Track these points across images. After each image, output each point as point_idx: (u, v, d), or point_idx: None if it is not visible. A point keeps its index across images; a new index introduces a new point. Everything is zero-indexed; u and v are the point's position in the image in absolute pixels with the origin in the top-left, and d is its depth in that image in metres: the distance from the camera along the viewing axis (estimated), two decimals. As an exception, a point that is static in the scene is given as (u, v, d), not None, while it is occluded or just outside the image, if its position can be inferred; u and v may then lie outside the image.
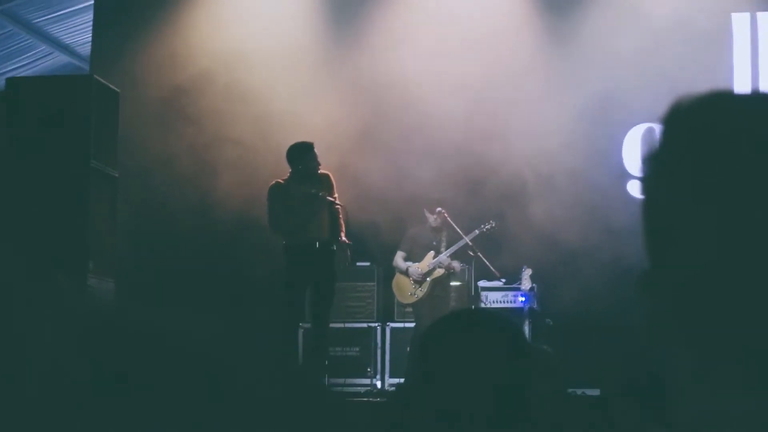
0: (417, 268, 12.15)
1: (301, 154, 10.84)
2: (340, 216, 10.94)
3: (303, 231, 10.76)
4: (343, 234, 10.88)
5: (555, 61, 13.63)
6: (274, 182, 11.00)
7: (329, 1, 14.24)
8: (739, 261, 1.03)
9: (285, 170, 11.00)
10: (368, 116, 13.36)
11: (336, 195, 10.98)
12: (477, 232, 12.08)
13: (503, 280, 12.34)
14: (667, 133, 1.12)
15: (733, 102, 1.11)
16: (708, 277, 1.05)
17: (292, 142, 11.05)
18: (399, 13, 13.95)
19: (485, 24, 13.73)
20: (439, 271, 12.17)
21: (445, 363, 2.68)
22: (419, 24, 13.82)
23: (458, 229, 12.04)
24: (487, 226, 12.10)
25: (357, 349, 12.68)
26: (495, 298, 12.51)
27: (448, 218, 12.08)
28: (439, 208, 12.10)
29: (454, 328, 2.78)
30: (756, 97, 1.12)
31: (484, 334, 2.70)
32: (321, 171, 11.00)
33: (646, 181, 1.13)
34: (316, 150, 10.89)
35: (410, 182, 12.72)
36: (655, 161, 1.12)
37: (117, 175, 10.69)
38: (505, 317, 2.91)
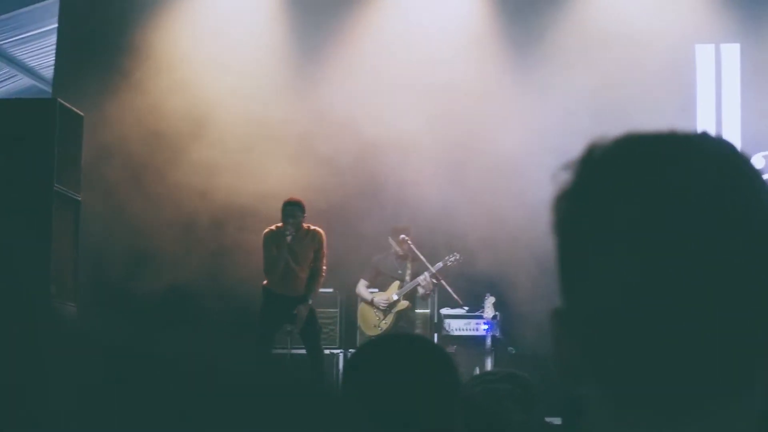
0: (383, 297, 12.10)
1: (283, 208, 11.00)
2: (320, 276, 11.15)
3: (282, 284, 11.02)
4: (311, 297, 11.04)
5: (516, 90, 13.67)
6: (267, 230, 11.19)
7: (286, 28, 14.27)
8: (651, 299, 1.05)
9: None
10: (330, 141, 13.36)
11: (324, 252, 11.10)
12: (441, 264, 12.03)
13: (466, 308, 12.33)
14: (578, 174, 1.13)
15: (647, 145, 1.11)
16: (619, 314, 1.06)
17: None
18: (359, 41, 14.01)
19: (447, 46, 13.79)
20: (404, 303, 12.06)
21: (368, 387, 2.66)
22: (381, 51, 13.87)
23: (423, 258, 12.00)
24: (452, 259, 12.06)
25: (319, 375, 12.64)
26: (457, 326, 12.49)
27: (413, 246, 12.05)
28: (402, 236, 12.07)
29: (382, 352, 2.75)
30: (675, 138, 1.12)
31: (412, 361, 2.67)
32: (313, 228, 11.12)
33: (557, 219, 1.13)
34: (301, 207, 11.04)
35: (374, 208, 12.71)
36: (565, 200, 1.13)
37: (80, 198, 10.62)
38: (438, 346, 2.88)
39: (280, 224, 11.11)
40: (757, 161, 14.03)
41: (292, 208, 10.98)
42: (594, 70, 13.46)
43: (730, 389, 1.07)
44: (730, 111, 14.13)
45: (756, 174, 1.10)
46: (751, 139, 13.90)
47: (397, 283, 12.13)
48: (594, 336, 1.09)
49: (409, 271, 12.10)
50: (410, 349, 2.75)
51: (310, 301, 11.10)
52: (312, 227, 11.15)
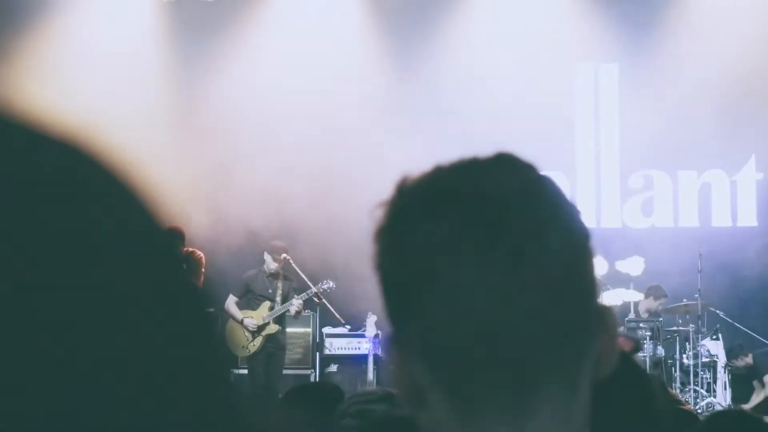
0: (252, 321, 11.80)
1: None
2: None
3: None
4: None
5: (401, 112, 13.67)
6: None
7: (167, 52, 14.15)
8: (468, 313, 1.13)
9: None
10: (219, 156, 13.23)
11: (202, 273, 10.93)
12: (313, 290, 11.83)
13: (348, 327, 12.22)
14: (390, 209, 1.20)
15: (450, 173, 1.19)
16: (449, 328, 1.14)
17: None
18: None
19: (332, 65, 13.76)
20: (273, 327, 11.80)
21: None
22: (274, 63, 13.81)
23: (305, 277, 11.84)
24: (325, 286, 11.87)
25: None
26: (339, 344, 12.40)
27: (294, 265, 11.86)
28: (285, 255, 11.84)
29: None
30: (476, 163, 1.20)
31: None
32: (191, 249, 10.88)
33: (376, 254, 1.22)
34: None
35: (253, 222, 12.55)
36: (381, 235, 1.20)
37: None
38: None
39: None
40: (635, 180, 14.23)
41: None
42: (473, 86, 13.54)
43: (557, 392, 1.15)
44: (608, 130, 14.31)
45: (555, 190, 1.19)
46: (629, 158, 14.10)
47: (267, 303, 11.85)
48: (434, 349, 1.15)
49: (279, 291, 11.84)
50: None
51: None
52: (190, 249, 10.88)
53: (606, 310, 1.22)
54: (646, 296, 12.54)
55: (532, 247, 1.13)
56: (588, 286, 1.19)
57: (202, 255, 10.98)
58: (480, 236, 1.13)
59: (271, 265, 11.87)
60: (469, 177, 1.18)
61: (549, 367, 1.16)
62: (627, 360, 2.63)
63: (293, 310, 11.80)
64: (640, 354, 11.63)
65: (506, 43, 13.77)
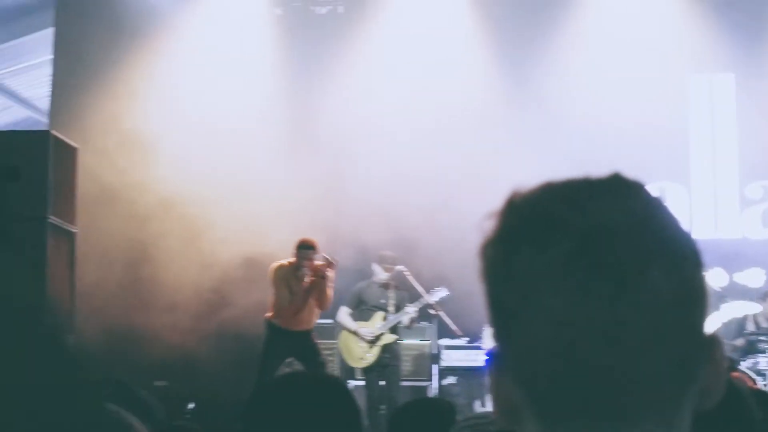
0: (368, 330, 11.84)
1: (298, 249, 10.96)
2: (325, 310, 11.24)
3: (292, 320, 10.99)
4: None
5: (513, 122, 13.66)
6: (278, 265, 11.08)
7: (279, 65, 14.29)
8: (575, 334, 1.14)
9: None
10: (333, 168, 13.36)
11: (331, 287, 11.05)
12: (426, 299, 11.77)
13: (466, 339, 12.23)
14: (500, 222, 1.21)
15: (561, 191, 1.20)
16: (550, 351, 1.15)
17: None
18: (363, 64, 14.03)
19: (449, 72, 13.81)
20: (390, 337, 11.85)
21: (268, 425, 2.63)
22: (386, 75, 13.91)
23: (420, 288, 11.86)
24: (437, 295, 11.79)
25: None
26: (457, 356, 12.41)
27: (408, 275, 11.91)
28: (399, 266, 11.90)
29: (283, 392, 2.71)
30: (588, 183, 1.21)
31: (313, 399, 2.65)
32: (320, 263, 11.00)
33: (484, 266, 1.23)
34: (316, 249, 10.96)
35: (366, 236, 12.64)
36: (490, 248, 1.21)
37: (76, 230, 10.54)
38: (341, 385, 2.86)
39: (292, 260, 11.01)
40: (754, 190, 14.02)
41: (307, 251, 10.90)
42: (584, 96, 13.49)
43: (657, 419, 1.15)
44: (724, 140, 14.14)
45: (666, 217, 1.19)
46: (748, 168, 13.91)
47: (380, 313, 11.89)
48: (529, 373, 1.17)
49: (392, 301, 11.89)
50: (311, 386, 2.73)
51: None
52: (320, 263, 11.04)
53: (713, 342, 1.20)
54: (764, 299, 12.25)
55: (635, 283, 1.13)
56: (695, 318, 1.17)
57: (330, 266, 11.07)
58: (584, 269, 1.13)
59: (380, 275, 11.95)
60: (577, 203, 1.17)
61: (646, 405, 1.15)
62: (733, 390, 2.61)
63: (407, 319, 11.80)
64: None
65: (617, 53, 13.69)
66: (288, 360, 11.13)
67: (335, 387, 2.77)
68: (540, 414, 1.18)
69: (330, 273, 10.93)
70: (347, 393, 2.76)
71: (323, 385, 2.76)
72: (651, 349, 1.14)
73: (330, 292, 11.01)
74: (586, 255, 1.13)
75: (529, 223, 1.18)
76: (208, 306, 13.14)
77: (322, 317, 12.14)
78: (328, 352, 12.46)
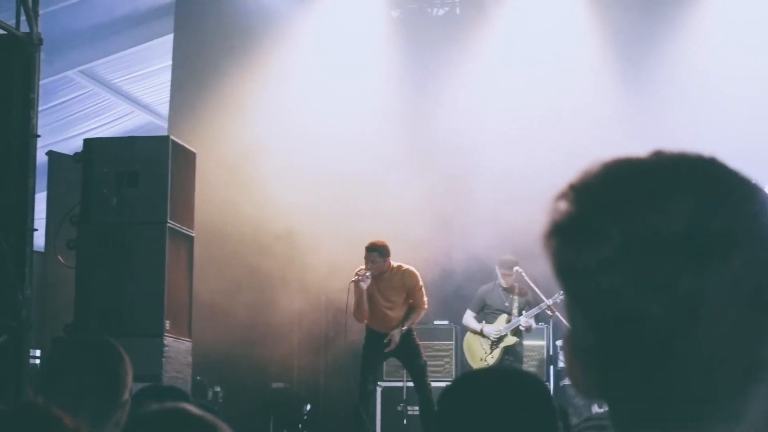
0: (493, 329, 11.91)
1: (365, 253, 10.95)
2: (419, 310, 11.04)
3: (376, 322, 11.03)
4: (407, 325, 10.92)
5: (628, 121, 13.39)
6: (355, 272, 11.07)
7: (395, 68, 14.23)
8: (645, 319, 1.11)
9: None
10: (439, 173, 13.31)
11: (420, 288, 10.98)
12: (547, 303, 11.68)
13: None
14: (574, 204, 1.18)
15: (637, 171, 1.17)
16: (619, 335, 1.12)
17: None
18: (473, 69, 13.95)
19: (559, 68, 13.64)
20: (512, 339, 11.89)
21: (462, 421, 2.60)
22: (490, 74, 13.80)
23: (538, 291, 11.80)
24: (559, 299, 11.59)
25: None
26: (574, 357, 12.28)
27: (526, 278, 11.85)
28: (516, 267, 11.86)
29: (476, 387, 2.68)
30: (660, 161, 1.18)
31: (508, 395, 2.61)
32: (405, 267, 11.00)
33: (555, 248, 1.19)
34: (380, 251, 10.90)
35: (475, 243, 12.56)
36: (563, 230, 1.18)
37: (194, 234, 10.71)
38: (534, 377, 2.82)
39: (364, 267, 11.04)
40: None
41: (370, 254, 10.91)
42: (703, 94, 13.18)
43: (724, 411, 1.12)
44: None
45: (744, 194, 1.16)
46: None
47: (504, 316, 11.95)
48: (590, 358, 1.15)
49: (516, 304, 11.90)
50: (506, 382, 2.70)
51: (404, 327, 10.90)
52: (404, 267, 11.01)
53: None
54: None
55: (727, 252, 1.10)
56: None
57: (414, 270, 11.07)
58: (663, 235, 1.10)
59: (502, 279, 11.94)
60: (655, 176, 1.15)
61: (717, 391, 1.12)
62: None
63: (522, 326, 11.88)
64: None
65: (737, 53, 13.30)
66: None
67: (533, 384, 2.74)
68: (607, 398, 1.18)
69: (357, 284, 10.88)
70: (545, 390, 2.75)
71: (519, 381, 2.73)
72: (719, 344, 1.11)
73: (355, 302, 10.93)
74: (657, 236, 1.11)
75: (600, 205, 1.15)
76: (326, 315, 13.21)
77: (438, 318, 12.13)
78: (444, 353, 12.48)
